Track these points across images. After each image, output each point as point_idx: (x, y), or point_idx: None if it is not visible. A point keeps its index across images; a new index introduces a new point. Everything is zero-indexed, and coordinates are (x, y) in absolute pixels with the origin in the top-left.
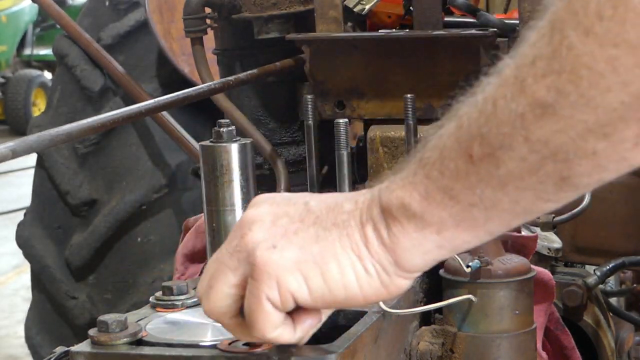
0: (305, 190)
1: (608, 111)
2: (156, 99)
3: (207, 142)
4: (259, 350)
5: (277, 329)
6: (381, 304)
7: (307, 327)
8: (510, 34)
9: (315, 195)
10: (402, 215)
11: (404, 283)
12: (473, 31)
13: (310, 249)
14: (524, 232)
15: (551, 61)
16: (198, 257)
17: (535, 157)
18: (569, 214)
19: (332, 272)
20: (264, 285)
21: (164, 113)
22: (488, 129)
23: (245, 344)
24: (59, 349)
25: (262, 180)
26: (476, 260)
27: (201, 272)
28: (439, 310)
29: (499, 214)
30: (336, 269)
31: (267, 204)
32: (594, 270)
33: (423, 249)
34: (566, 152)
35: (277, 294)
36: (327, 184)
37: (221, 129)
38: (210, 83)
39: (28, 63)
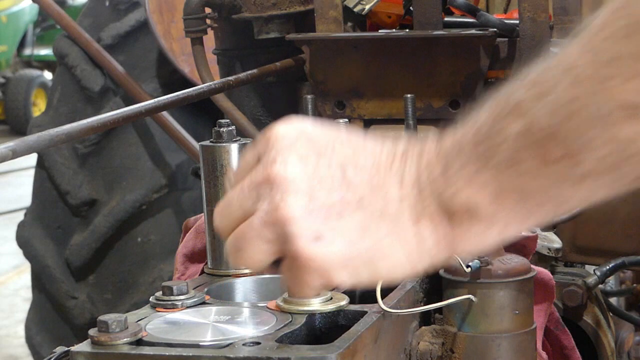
0: None
1: None
2: (156, 99)
3: (207, 142)
4: (259, 349)
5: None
6: (381, 304)
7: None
8: (510, 34)
9: (346, 148)
10: (467, 217)
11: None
12: (473, 31)
13: (359, 245)
14: (524, 232)
15: (637, 63)
16: (198, 257)
17: (616, 157)
18: (569, 213)
19: (381, 271)
20: (309, 277)
21: (164, 113)
22: (566, 130)
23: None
24: (59, 349)
25: None
26: (476, 260)
27: (201, 273)
28: (439, 310)
29: (560, 208)
30: (385, 267)
31: (297, 155)
32: (594, 270)
33: (480, 247)
34: None
35: (322, 283)
36: None
37: (221, 129)
38: (210, 83)
39: (28, 63)
